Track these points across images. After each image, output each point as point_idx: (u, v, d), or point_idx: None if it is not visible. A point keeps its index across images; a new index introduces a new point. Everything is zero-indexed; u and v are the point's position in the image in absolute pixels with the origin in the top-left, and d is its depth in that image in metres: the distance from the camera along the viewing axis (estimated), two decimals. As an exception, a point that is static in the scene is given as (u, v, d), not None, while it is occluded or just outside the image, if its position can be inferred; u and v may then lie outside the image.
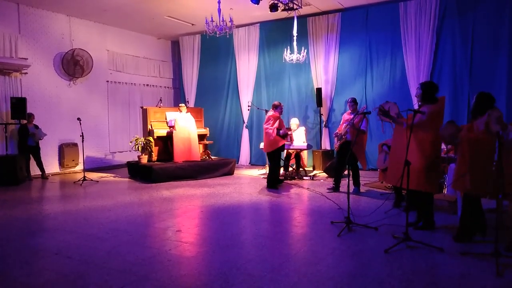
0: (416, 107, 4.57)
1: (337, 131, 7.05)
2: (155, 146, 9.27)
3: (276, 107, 7.46)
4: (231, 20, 7.47)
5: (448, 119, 6.74)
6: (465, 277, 3.22)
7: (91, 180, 8.71)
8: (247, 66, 11.50)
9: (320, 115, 10.23)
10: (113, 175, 9.84)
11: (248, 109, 11.25)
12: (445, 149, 5.86)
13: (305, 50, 9.39)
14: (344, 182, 6.86)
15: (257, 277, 3.26)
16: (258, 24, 11.23)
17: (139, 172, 9.12)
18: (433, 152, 4.40)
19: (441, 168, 5.19)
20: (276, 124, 7.27)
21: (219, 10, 7.49)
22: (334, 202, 6.10)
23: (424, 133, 4.36)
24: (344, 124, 6.86)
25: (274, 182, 7.51)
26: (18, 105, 8.68)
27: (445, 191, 5.86)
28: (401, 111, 4.74)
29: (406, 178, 4.01)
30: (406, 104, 8.08)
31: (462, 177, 3.90)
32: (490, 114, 3.63)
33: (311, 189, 7.37)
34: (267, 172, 8.03)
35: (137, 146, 9.13)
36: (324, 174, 8.98)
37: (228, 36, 8.26)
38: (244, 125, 11.56)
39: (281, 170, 9.15)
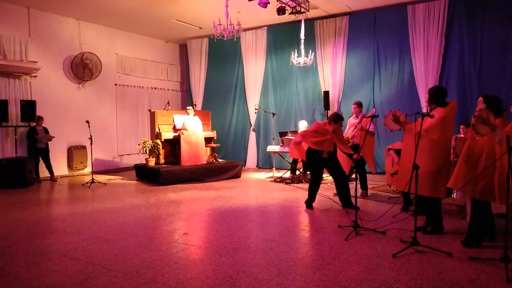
0: (424, 111, 4.55)
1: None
2: (162, 148, 9.30)
3: None
4: (238, 24, 7.49)
5: (457, 123, 6.72)
6: (474, 283, 3.18)
7: (99, 182, 8.77)
8: (254, 69, 11.52)
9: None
10: (121, 177, 9.90)
11: (255, 112, 11.27)
12: (453, 154, 5.82)
13: (313, 53, 9.37)
14: (351, 186, 6.82)
15: (263, 281, 3.25)
16: (266, 27, 11.25)
17: (146, 175, 9.16)
18: (442, 157, 4.38)
19: (449, 172, 5.15)
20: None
21: (227, 14, 7.51)
22: (342, 206, 6.07)
23: (435, 137, 4.33)
24: (351, 128, 6.83)
25: (307, 200, 6.19)
26: (28, 108, 8.77)
27: (454, 195, 5.81)
28: (410, 114, 4.72)
29: (414, 183, 3.98)
30: (414, 107, 8.03)
31: (470, 183, 3.87)
32: (477, 116, 3.58)
33: (318, 192, 7.32)
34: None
35: (144, 148, 9.18)
36: (331, 178, 8.92)
37: (235, 40, 8.28)
38: (251, 128, 11.57)
39: (288, 173, 9.18)
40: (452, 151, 5.04)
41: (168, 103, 10.70)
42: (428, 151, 4.36)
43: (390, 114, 4.71)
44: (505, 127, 3.77)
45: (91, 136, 8.64)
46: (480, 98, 4.02)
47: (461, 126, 6.16)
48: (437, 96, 4.52)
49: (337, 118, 5.98)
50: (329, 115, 10.09)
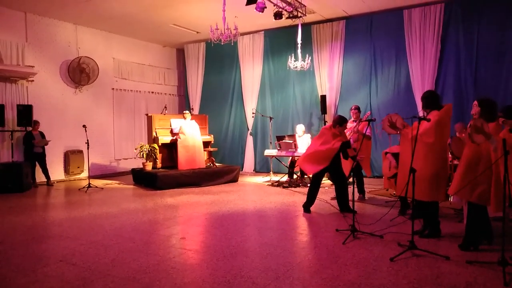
0: (421, 114, 4.57)
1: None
2: (159, 153, 9.28)
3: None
4: (235, 28, 7.50)
5: (453, 126, 6.74)
6: (472, 286, 3.18)
7: (96, 187, 8.74)
8: (251, 73, 11.54)
9: (325, 122, 10.21)
10: (118, 182, 9.86)
11: (253, 117, 11.28)
12: (450, 157, 5.84)
13: (310, 58, 9.40)
14: (349, 190, 6.82)
15: (261, 285, 3.24)
16: (263, 32, 11.28)
17: (143, 179, 9.13)
18: (439, 160, 4.38)
19: (447, 175, 5.17)
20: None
21: (224, 18, 7.53)
22: (339, 210, 6.07)
23: (430, 141, 4.34)
24: (348, 132, 6.84)
25: (306, 203, 6.18)
26: (24, 112, 8.75)
27: (451, 199, 5.82)
28: (406, 118, 4.73)
29: (411, 187, 3.98)
30: (411, 111, 8.06)
31: (466, 186, 3.89)
32: (471, 125, 3.61)
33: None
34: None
35: (142, 153, 9.15)
36: (329, 182, 8.93)
37: (232, 44, 8.29)
38: (249, 132, 11.57)
39: (285, 177, 9.18)
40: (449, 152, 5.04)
41: (165, 107, 10.69)
42: (424, 155, 4.35)
43: (386, 119, 4.72)
44: (499, 131, 3.78)
45: (88, 140, 8.62)
46: (475, 102, 4.03)
47: (456, 126, 6.17)
48: (430, 100, 4.53)
49: (342, 121, 6.04)
50: (325, 119, 10.18)
